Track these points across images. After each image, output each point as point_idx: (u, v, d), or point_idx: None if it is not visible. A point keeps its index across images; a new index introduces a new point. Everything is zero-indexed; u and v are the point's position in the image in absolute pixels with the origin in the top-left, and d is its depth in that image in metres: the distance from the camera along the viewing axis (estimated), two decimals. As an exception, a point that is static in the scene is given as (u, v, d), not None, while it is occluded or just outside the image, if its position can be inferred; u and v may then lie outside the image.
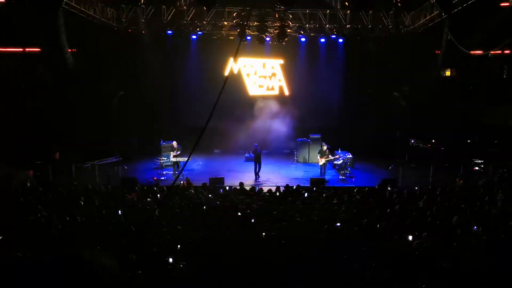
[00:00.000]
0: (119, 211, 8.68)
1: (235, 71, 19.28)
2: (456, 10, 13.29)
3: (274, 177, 15.54)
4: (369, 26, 17.15)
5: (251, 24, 17.18)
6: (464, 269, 6.27)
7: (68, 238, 7.20)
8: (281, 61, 19.76)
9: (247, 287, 5.99)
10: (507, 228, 7.89)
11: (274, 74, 19.95)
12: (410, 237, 7.56)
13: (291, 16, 17.10)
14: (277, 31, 17.23)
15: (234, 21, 17.03)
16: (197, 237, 7.39)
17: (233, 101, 18.60)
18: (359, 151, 17.19)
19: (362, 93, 18.81)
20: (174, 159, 15.12)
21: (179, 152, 15.05)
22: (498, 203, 9.75)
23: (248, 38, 18.03)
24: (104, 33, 16.67)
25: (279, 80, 19.96)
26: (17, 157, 13.90)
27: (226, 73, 18.80)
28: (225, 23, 17.29)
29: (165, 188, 11.96)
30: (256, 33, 17.50)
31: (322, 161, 15.16)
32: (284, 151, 19.35)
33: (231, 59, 18.42)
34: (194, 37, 18.30)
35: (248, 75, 19.85)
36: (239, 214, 8.85)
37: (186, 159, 14.79)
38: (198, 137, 3.80)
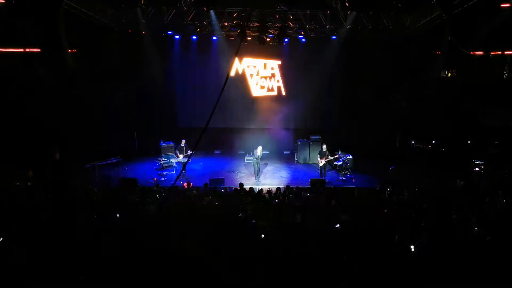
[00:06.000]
0: (117, 214, 8.67)
1: (240, 72, 19.30)
2: (456, 11, 13.27)
3: (274, 178, 15.54)
4: (370, 27, 17.13)
5: (251, 25, 17.17)
6: (463, 269, 6.25)
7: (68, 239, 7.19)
8: (279, 62, 19.73)
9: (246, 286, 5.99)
10: (507, 229, 7.88)
11: (273, 75, 19.94)
12: (412, 245, 7.52)
13: (291, 17, 17.09)
14: (277, 31, 17.23)
15: (234, 22, 17.03)
16: (197, 237, 7.38)
17: (234, 102, 18.61)
18: (359, 152, 17.16)
19: (362, 94, 18.77)
20: (180, 159, 15.11)
21: (189, 152, 15.01)
22: (498, 204, 9.74)
23: (248, 38, 18.02)
24: (104, 33, 16.66)
25: (278, 81, 19.95)
26: (17, 157, 13.90)
27: (231, 73, 18.72)
28: (226, 23, 17.28)
29: (165, 189, 11.94)
30: (256, 33, 17.50)
31: (322, 162, 15.15)
32: (284, 153, 19.34)
33: (236, 60, 18.39)
34: (194, 37, 18.29)
35: (251, 75, 19.83)
36: (240, 215, 8.84)
37: (186, 160, 14.85)
38: (199, 138, 3.80)
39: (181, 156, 15.23)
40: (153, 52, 18.05)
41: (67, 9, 13.96)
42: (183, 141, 15.40)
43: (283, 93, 19.96)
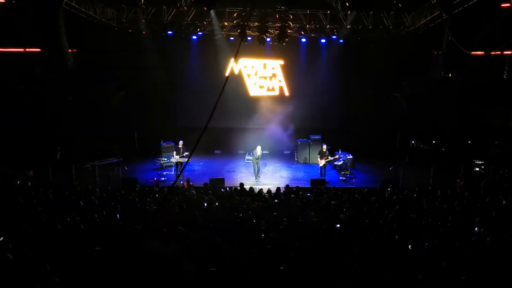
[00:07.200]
0: (117, 214, 8.65)
1: (236, 72, 19.26)
2: (457, 10, 13.27)
3: (274, 178, 15.52)
4: (370, 27, 17.10)
5: (251, 25, 17.16)
6: (464, 269, 6.25)
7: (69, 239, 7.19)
8: (281, 62, 19.73)
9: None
10: (508, 229, 7.87)
11: (274, 75, 19.92)
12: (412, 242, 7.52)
13: (291, 17, 17.07)
14: (277, 31, 17.21)
15: (234, 22, 17.01)
16: (197, 237, 7.37)
17: (234, 102, 18.55)
18: (360, 151, 17.14)
19: (362, 94, 18.76)
20: (177, 160, 15.09)
21: (186, 153, 14.97)
22: (498, 204, 9.73)
23: (249, 38, 18.00)
24: (104, 33, 16.66)
25: (279, 81, 19.94)
26: (18, 157, 13.90)
27: (227, 73, 18.73)
28: (226, 23, 17.27)
29: (165, 189, 11.94)
30: (256, 33, 17.48)
31: (322, 162, 15.13)
32: (285, 152, 19.33)
33: (232, 60, 18.38)
34: (194, 37, 18.27)
35: (249, 75, 19.82)
36: (240, 215, 8.83)
37: (186, 159, 14.83)
38: (199, 138, 3.80)
39: (177, 157, 15.19)
40: (153, 51, 18.04)
41: (67, 9, 13.94)
42: (181, 142, 15.35)
43: (286, 93, 19.94)
